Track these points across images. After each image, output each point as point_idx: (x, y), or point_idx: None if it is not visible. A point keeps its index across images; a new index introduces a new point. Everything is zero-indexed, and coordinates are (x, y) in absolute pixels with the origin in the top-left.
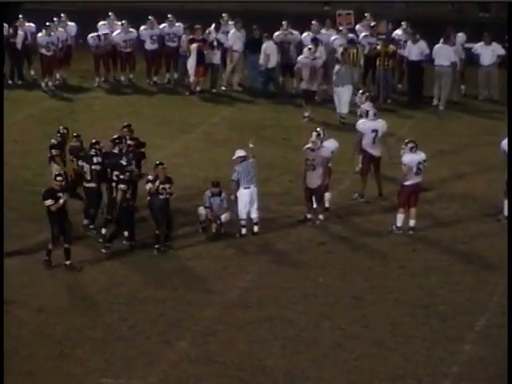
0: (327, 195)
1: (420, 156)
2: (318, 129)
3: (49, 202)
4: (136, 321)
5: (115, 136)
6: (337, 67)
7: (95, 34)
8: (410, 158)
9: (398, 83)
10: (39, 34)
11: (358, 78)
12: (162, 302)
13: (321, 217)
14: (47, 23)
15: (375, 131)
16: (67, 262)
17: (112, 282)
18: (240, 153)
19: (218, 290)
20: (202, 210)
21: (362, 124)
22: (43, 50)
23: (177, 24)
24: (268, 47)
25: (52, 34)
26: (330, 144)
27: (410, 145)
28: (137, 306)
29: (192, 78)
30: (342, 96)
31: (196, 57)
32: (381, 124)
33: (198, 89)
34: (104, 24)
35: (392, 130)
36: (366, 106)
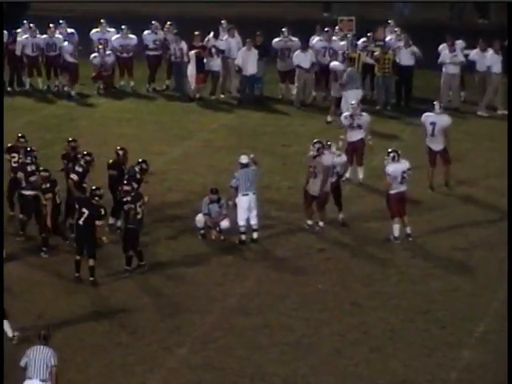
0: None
1: (404, 165)
2: (332, 141)
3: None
4: (135, 328)
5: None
6: (348, 69)
7: (96, 54)
8: (394, 168)
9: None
10: (65, 43)
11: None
12: (162, 309)
13: (321, 224)
14: (71, 30)
15: (433, 124)
16: (91, 278)
17: (111, 289)
18: (243, 159)
19: (217, 296)
20: (200, 217)
21: (425, 116)
22: (70, 58)
23: (175, 31)
24: (244, 53)
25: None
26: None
27: (391, 154)
28: (136, 313)
29: (192, 85)
30: (352, 100)
31: (195, 63)
32: (442, 118)
33: (197, 96)
34: (97, 31)
35: (391, 136)
36: (365, 117)
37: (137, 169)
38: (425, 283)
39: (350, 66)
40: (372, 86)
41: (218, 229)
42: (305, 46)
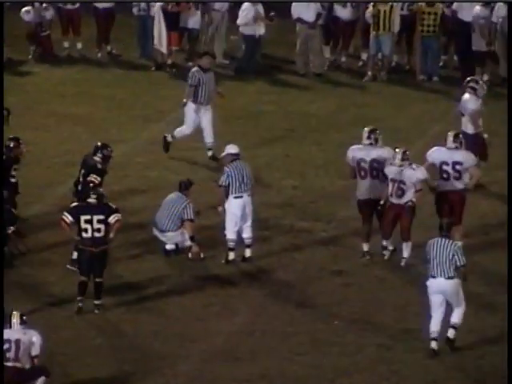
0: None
1: (452, 155)
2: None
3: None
4: (83, 378)
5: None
6: None
7: (28, 7)
8: (435, 154)
9: (443, 54)
10: None
11: (390, 49)
12: (121, 353)
13: (389, 248)
14: None
15: None
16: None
17: (52, 325)
18: (231, 149)
19: (196, 336)
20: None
21: None
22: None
23: None
24: (249, 9)
25: None
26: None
27: (448, 137)
28: (86, 358)
29: (162, 48)
30: None
31: (164, 18)
32: None
33: (169, 62)
34: None
35: (436, 115)
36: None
37: (97, 158)
38: (478, 318)
39: (373, 23)
40: (410, 50)
41: (194, 243)
42: None
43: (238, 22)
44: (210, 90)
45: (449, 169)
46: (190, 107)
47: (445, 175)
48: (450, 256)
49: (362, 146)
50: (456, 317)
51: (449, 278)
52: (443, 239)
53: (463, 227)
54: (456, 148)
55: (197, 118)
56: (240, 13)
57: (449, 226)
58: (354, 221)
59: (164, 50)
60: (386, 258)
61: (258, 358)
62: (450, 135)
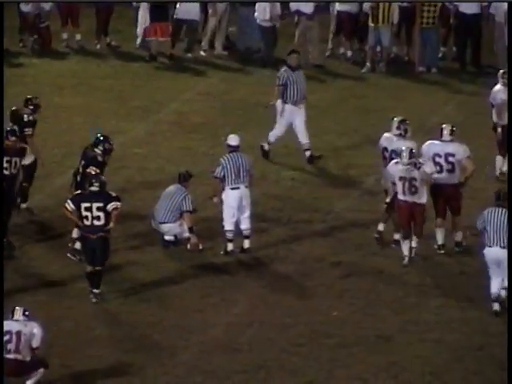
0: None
1: (445, 147)
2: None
3: None
4: (82, 369)
5: None
6: None
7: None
8: (428, 147)
9: (442, 46)
10: None
11: (389, 41)
12: (119, 344)
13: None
14: None
15: None
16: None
17: (51, 316)
18: (232, 140)
19: (194, 327)
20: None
21: None
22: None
23: None
24: (268, 4)
25: None
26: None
27: (444, 129)
28: (84, 350)
29: (138, 34)
30: None
31: (150, 7)
32: None
33: (168, 53)
34: None
35: (434, 107)
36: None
37: (98, 150)
38: (477, 310)
39: (372, 15)
40: (409, 42)
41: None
42: None
43: (257, 16)
44: (300, 88)
45: (441, 161)
46: (282, 107)
47: (438, 167)
48: (507, 224)
49: (391, 135)
50: (496, 287)
51: (504, 247)
52: (499, 208)
53: (463, 220)
54: (451, 141)
55: (289, 118)
56: (257, 7)
57: (505, 195)
58: (352, 212)
59: (139, 37)
60: (405, 262)
61: (257, 349)
62: (446, 128)
